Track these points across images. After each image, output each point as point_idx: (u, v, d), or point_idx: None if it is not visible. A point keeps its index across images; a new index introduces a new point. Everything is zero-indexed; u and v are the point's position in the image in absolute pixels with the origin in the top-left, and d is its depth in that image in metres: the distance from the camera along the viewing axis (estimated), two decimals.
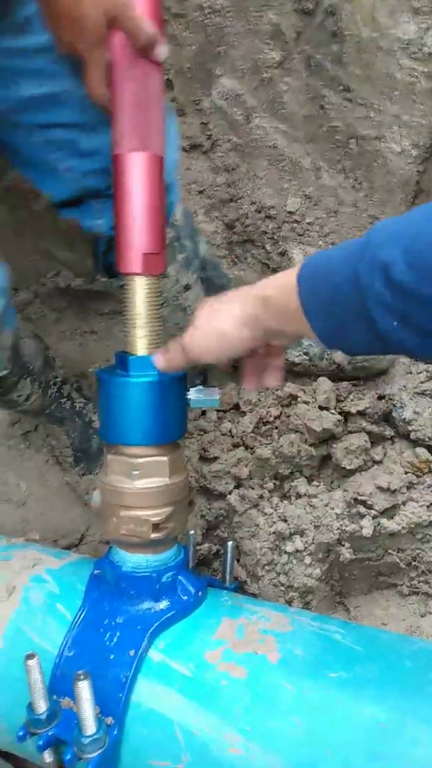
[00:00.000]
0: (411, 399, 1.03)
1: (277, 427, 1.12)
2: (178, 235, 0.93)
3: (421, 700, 0.64)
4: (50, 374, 1.12)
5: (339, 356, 1.10)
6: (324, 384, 1.09)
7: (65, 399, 1.18)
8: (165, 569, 0.80)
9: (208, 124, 1.12)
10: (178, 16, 1.02)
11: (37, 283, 1.33)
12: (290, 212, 1.12)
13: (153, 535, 0.77)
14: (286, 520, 1.04)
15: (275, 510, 1.07)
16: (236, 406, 1.20)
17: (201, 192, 1.19)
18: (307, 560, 1.02)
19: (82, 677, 0.65)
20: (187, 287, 0.98)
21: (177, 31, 1.03)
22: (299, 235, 1.14)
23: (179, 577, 0.81)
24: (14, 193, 1.12)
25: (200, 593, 0.82)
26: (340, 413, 1.07)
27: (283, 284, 0.62)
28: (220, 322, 0.67)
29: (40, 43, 0.71)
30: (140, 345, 0.77)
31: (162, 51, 0.71)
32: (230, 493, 1.10)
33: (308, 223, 1.12)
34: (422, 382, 1.04)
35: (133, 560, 0.81)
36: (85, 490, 1.28)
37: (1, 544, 1.00)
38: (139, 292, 0.75)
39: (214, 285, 1.04)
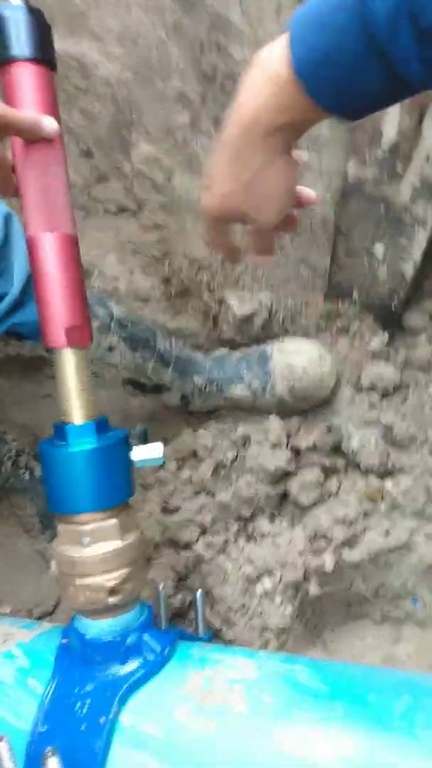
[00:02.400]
0: (357, 429, 1.05)
1: (234, 470, 1.14)
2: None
3: (386, 733, 0.65)
4: (2, 449, 1.13)
5: (279, 388, 1.12)
6: (273, 422, 1.11)
7: (23, 469, 1.19)
8: (129, 631, 0.80)
9: (132, 187, 1.16)
10: (86, 90, 1.06)
11: None
12: (222, 261, 1.16)
13: (111, 600, 0.78)
14: (253, 562, 1.05)
15: (241, 553, 1.07)
16: (194, 453, 1.21)
17: (135, 251, 1.22)
18: (278, 600, 1.03)
19: (50, 754, 0.64)
20: (110, 348, 1.03)
21: (87, 104, 1.07)
22: (234, 282, 1.17)
23: (144, 637, 0.81)
24: None
25: (167, 650, 0.81)
26: (291, 449, 1.09)
27: (272, 52, 0.50)
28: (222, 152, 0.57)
29: None
30: (76, 414, 0.78)
31: (49, 125, 0.69)
32: (196, 541, 1.11)
33: (240, 271, 1.16)
34: (366, 411, 1.07)
35: (96, 626, 0.81)
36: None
37: None
38: (69, 364, 0.77)
39: (139, 338, 1.07)
